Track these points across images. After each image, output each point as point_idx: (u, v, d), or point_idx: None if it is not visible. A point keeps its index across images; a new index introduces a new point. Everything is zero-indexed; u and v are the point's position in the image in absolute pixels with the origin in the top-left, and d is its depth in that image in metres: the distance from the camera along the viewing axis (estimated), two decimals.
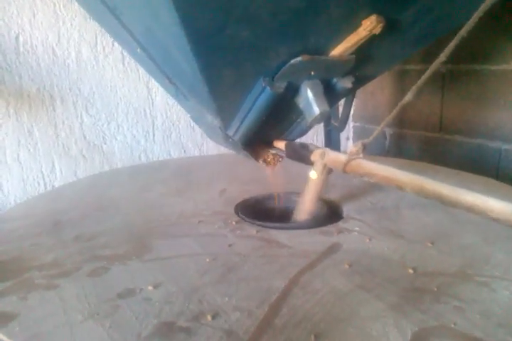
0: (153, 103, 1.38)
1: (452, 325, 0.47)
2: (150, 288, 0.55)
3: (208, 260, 0.62)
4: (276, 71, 0.64)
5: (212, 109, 0.71)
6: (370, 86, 1.61)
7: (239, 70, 0.62)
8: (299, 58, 0.62)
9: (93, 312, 0.50)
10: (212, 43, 0.55)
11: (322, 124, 1.35)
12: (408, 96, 0.64)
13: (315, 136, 1.69)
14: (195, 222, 0.75)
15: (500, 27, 1.21)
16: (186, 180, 0.99)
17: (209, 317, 0.49)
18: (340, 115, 1.34)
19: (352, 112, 1.72)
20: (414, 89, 0.63)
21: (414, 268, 0.59)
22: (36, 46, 1.19)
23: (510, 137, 1.26)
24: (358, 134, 1.74)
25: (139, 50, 0.73)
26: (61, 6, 1.20)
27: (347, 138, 1.75)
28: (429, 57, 0.69)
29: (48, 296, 0.54)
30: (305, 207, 0.78)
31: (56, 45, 1.22)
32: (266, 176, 0.84)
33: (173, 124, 1.42)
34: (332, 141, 1.30)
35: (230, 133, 0.74)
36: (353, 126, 1.74)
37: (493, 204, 0.53)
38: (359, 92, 1.65)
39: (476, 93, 1.33)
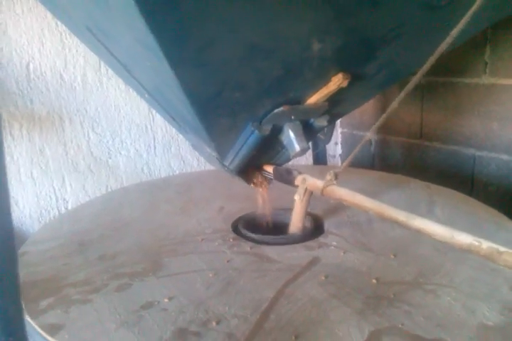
0: (153, 119, 1.53)
1: (400, 326, 0.63)
2: (166, 300, 0.71)
3: (210, 275, 0.78)
4: (263, 117, 0.79)
5: (210, 145, 0.86)
6: None
7: (233, 119, 0.78)
8: (281, 108, 0.78)
9: (123, 321, 0.66)
10: (211, 104, 0.71)
11: None
12: (391, 107, 0.75)
13: None
14: (199, 240, 0.91)
15: (473, 44, 1.36)
16: (188, 199, 1.15)
17: (214, 324, 0.65)
18: (326, 129, 1.49)
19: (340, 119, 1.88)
20: (394, 104, 0.76)
21: (377, 279, 0.75)
22: (45, 72, 1.34)
23: (483, 145, 1.42)
24: (346, 140, 1.89)
25: (146, 95, 0.88)
26: (67, 34, 1.34)
27: (335, 143, 1.91)
28: None
29: (85, 309, 0.70)
30: (294, 223, 0.94)
31: (63, 70, 1.36)
32: (258, 195, 1.00)
33: (172, 138, 1.57)
34: (319, 157, 1.46)
35: (226, 163, 0.90)
36: (341, 132, 1.90)
37: (436, 228, 0.68)
38: None
39: (452, 104, 1.48)
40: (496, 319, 0.65)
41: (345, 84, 0.77)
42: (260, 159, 0.95)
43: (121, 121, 1.48)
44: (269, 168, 0.96)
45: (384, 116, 0.74)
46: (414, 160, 1.64)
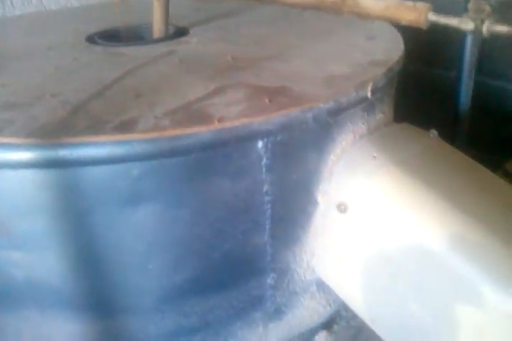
0: None
1: (246, 82, 0.63)
2: None
3: (52, 69, 0.72)
4: None
5: None
6: None
7: None
8: None
9: None
10: None
11: None
12: None
13: None
14: (46, 49, 0.83)
15: None
16: (42, 29, 1.01)
17: (48, 96, 0.61)
18: None
19: None
20: None
21: (233, 57, 0.73)
22: None
23: None
24: None
25: None
26: None
27: None
28: None
29: None
30: (155, 25, 0.88)
31: None
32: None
33: None
34: None
35: None
36: None
37: None
38: None
39: None
40: (343, 71, 0.66)
41: None
42: None
43: None
44: None
45: None
46: None
